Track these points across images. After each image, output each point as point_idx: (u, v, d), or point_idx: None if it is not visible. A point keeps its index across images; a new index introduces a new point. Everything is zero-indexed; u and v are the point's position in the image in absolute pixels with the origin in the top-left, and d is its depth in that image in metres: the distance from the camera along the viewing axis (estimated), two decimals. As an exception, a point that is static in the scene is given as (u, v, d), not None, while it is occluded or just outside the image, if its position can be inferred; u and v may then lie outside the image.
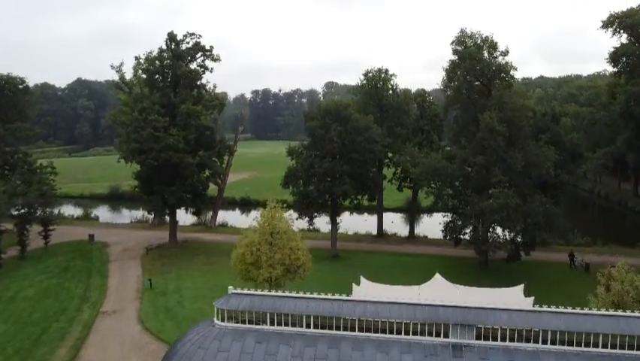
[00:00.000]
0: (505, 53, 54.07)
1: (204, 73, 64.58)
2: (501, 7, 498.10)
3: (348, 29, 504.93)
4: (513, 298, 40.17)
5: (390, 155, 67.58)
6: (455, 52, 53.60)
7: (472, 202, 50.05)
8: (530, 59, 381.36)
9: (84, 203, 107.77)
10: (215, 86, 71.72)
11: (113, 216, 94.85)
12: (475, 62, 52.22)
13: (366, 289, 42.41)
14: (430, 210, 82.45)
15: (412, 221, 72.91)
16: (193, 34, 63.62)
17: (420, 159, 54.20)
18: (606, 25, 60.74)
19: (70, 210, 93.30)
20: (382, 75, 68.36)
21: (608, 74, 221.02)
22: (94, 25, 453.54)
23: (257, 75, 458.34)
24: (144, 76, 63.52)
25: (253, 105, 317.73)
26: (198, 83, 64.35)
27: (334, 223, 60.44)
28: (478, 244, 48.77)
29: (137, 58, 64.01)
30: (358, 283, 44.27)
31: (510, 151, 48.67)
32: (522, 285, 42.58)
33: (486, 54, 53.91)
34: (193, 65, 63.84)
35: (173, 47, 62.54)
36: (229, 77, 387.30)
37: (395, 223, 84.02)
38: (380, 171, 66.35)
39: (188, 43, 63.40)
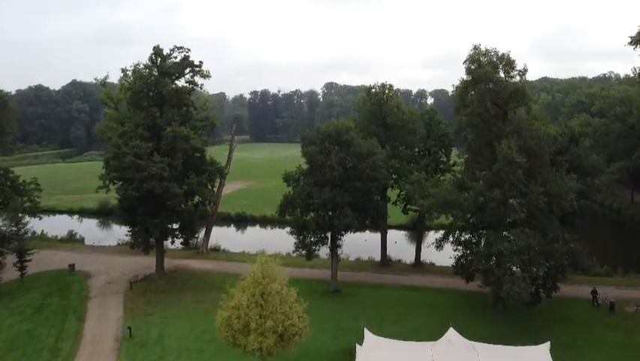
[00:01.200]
0: (523, 72, 48.95)
1: (193, 90, 59.29)
2: (499, 4, 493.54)
3: (346, 28, 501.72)
4: (540, 362, 35.48)
5: (394, 176, 62.41)
6: (469, 71, 48.33)
7: (487, 240, 44.99)
8: (528, 57, 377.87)
9: (72, 217, 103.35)
10: (206, 101, 67.03)
11: (101, 234, 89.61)
12: (492, 83, 47.07)
13: (372, 349, 37.46)
14: (437, 228, 77.27)
15: (418, 246, 67.62)
16: (181, 47, 58.16)
17: (428, 190, 48.98)
18: (636, 41, 55.26)
19: (55, 227, 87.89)
20: (386, 92, 63.11)
21: (614, 76, 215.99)
22: (90, 24, 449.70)
23: (255, 74, 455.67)
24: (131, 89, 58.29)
25: (252, 106, 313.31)
26: (186, 101, 58.87)
27: (334, 256, 55.31)
28: (495, 289, 43.54)
29: (123, 70, 58.85)
30: (361, 338, 39.41)
31: (530, 184, 43.58)
32: (548, 343, 37.70)
33: (502, 73, 48.76)
34: (181, 82, 58.59)
35: (159, 62, 57.18)
36: (228, 76, 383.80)
37: (399, 244, 79.07)
38: (384, 197, 61.23)
39: (175, 58, 58.00)
